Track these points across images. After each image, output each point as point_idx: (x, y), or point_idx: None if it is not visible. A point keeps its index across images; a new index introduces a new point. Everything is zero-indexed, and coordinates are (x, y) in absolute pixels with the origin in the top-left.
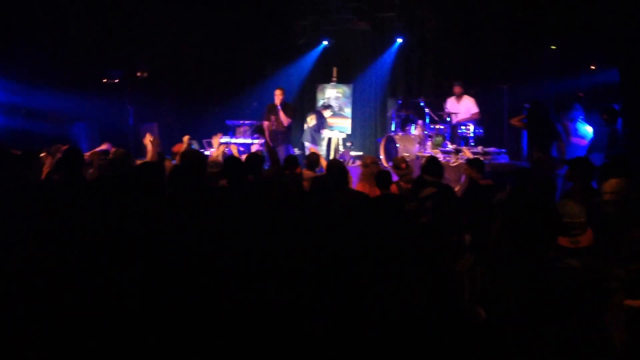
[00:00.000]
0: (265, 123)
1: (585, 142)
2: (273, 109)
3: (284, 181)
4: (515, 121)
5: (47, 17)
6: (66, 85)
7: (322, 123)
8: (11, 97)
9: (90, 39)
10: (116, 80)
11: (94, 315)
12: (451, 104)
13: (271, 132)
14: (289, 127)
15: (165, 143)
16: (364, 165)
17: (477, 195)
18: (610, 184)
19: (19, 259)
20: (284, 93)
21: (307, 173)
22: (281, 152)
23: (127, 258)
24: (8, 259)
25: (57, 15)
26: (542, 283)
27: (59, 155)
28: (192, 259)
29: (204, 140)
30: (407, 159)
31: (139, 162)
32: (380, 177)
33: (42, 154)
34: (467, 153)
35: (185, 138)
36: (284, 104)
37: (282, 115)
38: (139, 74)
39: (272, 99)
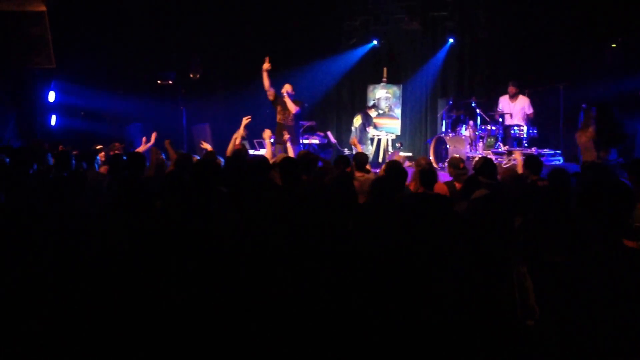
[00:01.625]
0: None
1: None
2: (279, 99)
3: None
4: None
5: (104, 22)
6: (122, 87)
7: (367, 121)
8: (70, 99)
9: (145, 41)
10: (170, 82)
11: (154, 310)
12: (505, 104)
13: (277, 127)
14: (297, 124)
15: (217, 143)
16: (418, 166)
17: (534, 197)
18: None
19: (77, 254)
20: (294, 90)
21: (357, 174)
22: (290, 153)
23: (184, 255)
24: (66, 254)
25: (113, 20)
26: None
27: (113, 152)
28: (247, 256)
29: (255, 140)
30: (464, 160)
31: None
32: (424, 175)
33: (99, 147)
34: (517, 155)
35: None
36: (290, 94)
37: (289, 102)
38: (191, 76)
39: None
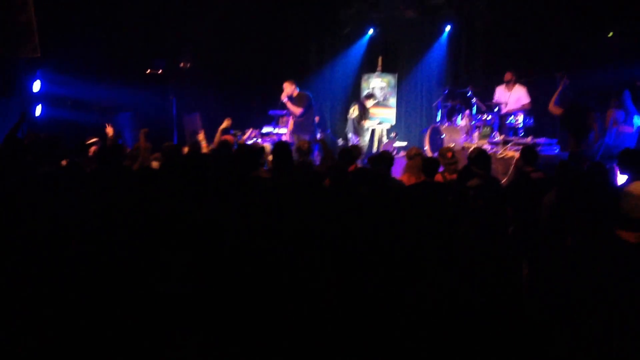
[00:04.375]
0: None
1: (632, 130)
2: (283, 105)
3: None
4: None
5: (92, 9)
6: (110, 76)
7: (363, 113)
8: (56, 89)
9: (134, 30)
10: (159, 71)
11: (140, 300)
12: (501, 93)
13: (294, 125)
14: (307, 118)
15: (208, 133)
16: (409, 157)
17: (526, 189)
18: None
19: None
20: (293, 84)
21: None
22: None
23: (171, 244)
24: (57, 243)
25: (102, 7)
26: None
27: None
28: (237, 247)
29: (249, 130)
30: (453, 150)
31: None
32: (426, 164)
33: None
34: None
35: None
36: (291, 97)
37: (290, 106)
38: (182, 65)
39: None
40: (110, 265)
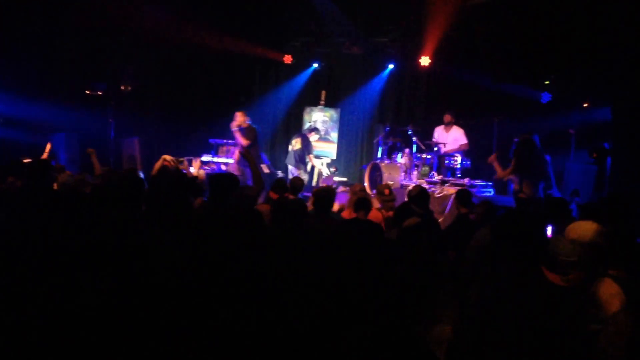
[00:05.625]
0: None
1: None
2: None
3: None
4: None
5: (32, 28)
6: (48, 96)
7: (307, 147)
8: None
9: (76, 50)
10: (99, 93)
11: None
12: (439, 134)
13: (240, 156)
14: (254, 150)
15: (145, 158)
16: (353, 193)
17: (465, 229)
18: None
19: None
20: (245, 115)
21: (290, 197)
22: (248, 174)
23: (99, 269)
24: None
25: (42, 26)
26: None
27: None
28: (167, 273)
29: (186, 158)
30: (392, 187)
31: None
32: (357, 203)
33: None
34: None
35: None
36: (242, 128)
37: (239, 137)
38: (122, 88)
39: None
40: (28, 287)
